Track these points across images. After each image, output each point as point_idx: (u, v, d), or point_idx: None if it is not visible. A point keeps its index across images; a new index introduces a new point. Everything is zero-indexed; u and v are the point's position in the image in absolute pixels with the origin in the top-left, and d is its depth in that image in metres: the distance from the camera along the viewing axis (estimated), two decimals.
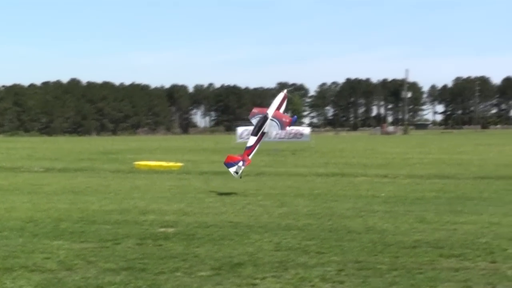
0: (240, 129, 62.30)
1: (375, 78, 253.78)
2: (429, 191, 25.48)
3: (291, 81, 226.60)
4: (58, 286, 11.12)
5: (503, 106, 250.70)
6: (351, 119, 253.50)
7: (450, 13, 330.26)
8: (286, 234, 15.58)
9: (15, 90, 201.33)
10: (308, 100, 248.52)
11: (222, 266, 12.27)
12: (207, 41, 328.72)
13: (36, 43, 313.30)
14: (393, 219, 17.87)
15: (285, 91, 28.09)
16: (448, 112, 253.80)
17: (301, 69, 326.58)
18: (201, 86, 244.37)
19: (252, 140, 25.78)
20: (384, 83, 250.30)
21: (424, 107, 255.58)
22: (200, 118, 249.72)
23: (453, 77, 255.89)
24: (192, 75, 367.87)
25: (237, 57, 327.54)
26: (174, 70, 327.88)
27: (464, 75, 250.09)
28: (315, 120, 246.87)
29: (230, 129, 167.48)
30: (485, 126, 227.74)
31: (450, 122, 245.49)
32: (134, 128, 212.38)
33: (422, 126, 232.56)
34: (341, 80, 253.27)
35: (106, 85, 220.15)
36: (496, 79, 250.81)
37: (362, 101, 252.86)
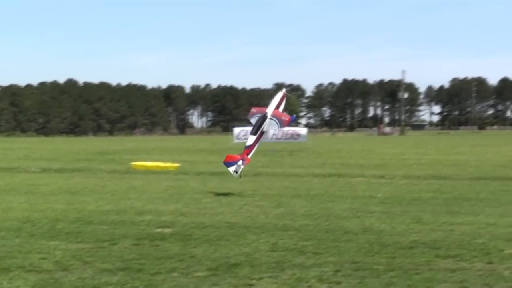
0: (237, 130, 62.37)
1: (372, 78, 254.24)
2: (426, 192, 25.49)
3: (288, 81, 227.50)
4: (55, 286, 11.12)
5: (500, 107, 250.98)
6: (348, 119, 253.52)
7: (446, 14, 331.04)
8: (283, 234, 15.58)
9: (11, 91, 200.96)
10: (305, 100, 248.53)
11: (219, 266, 12.27)
12: (203, 41, 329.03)
13: (33, 44, 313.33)
14: (390, 220, 17.88)
15: (284, 90, 28.07)
16: (445, 113, 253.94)
17: (298, 69, 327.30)
18: (198, 86, 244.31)
19: (251, 139, 25.75)
20: (381, 83, 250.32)
21: (421, 108, 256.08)
22: (197, 119, 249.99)
23: (450, 78, 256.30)
24: (189, 75, 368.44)
25: (234, 57, 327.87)
26: (171, 71, 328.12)
27: (461, 76, 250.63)
28: (312, 121, 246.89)
29: (227, 129, 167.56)
30: (481, 127, 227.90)
31: (446, 123, 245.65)
32: (130, 129, 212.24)
33: (419, 127, 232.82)
34: (338, 80, 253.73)
35: (103, 86, 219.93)
36: (493, 80, 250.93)
37: (359, 101, 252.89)
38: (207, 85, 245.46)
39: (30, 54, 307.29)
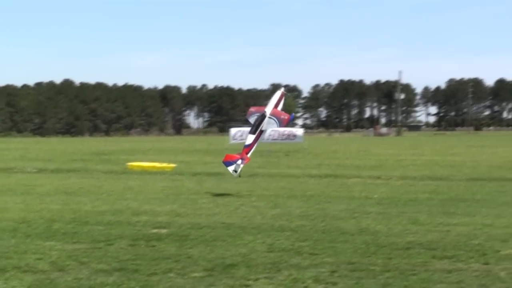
0: (233, 130, 62.32)
1: (369, 79, 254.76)
2: (422, 193, 25.50)
3: (284, 82, 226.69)
4: (51, 287, 11.10)
5: (496, 108, 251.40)
6: (344, 120, 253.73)
7: (443, 15, 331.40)
8: (279, 235, 15.57)
9: (8, 91, 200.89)
10: (301, 101, 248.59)
11: (215, 267, 12.26)
12: (200, 42, 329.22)
13: (29, 44, 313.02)
14: (386, 221, 17.88)
15: (282, 89, 28.05)
16: (441, 114, 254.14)
17: (294, 70, 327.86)
18: (194, 87, 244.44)
19: (250, 138, 25.72)
20: (377, 84, 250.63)
21: (417, 108, 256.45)
22: (193, 119, 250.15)
23: (446, 78, 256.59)
24: (185, 76, 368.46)
25: (231, 58, 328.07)
26: (167, 71, 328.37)
27: (457, 77, 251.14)
28: (308, 122, 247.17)
29: (223, 130, 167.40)
30: (478, 128, 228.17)
31: (443, 123, 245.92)
32: (127, 129, 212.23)
33: (415, 127, 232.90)
34: (334, 81, 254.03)
35: (99, 86, 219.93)
36: (489, 81, 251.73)
37: (355, 102, 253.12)
38: (204, 85, 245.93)
39: (26, 55, 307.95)
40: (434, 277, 11.57)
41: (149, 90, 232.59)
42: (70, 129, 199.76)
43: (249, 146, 25.44)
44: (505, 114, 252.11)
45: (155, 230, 16.29)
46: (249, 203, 22.14)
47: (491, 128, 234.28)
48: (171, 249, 13.91)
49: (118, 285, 11.09)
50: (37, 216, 18.61)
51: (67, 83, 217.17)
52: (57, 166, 41.58)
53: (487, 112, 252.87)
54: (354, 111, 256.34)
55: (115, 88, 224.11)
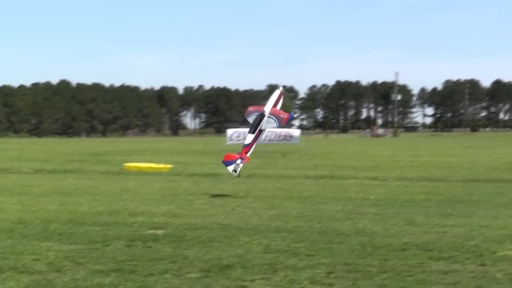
0: (230, 131, 62.36)
1: (365, 80, 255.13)
2: (419, 194, 25.53)
3: (281, 83, 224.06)
4: (47, 287, 11.10)
5: (493, 109, 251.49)
6: (341, 121, 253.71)
7: (440, 16, 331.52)
8: (275, 236, 15.57)
9: (4, 91, 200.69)
10: (298, 102, 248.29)
11: (211, 268, 12.26)
12: (197, 43, 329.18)
13: (26, 44, 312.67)
14: (382, 222, 17.89)
15: (281, 88, 27.98)
16: (438, 115, 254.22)
17: (291, 71, 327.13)
18: (191, 88, 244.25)
19: (249, 138, 25.67)
20: (374, 85, 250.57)
21: (414, 109, 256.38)
22: (190, 120, 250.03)
23: (443, 80, 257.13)
24: (182, 76, 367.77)
25: (227, 59, 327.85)
26: (164, 72, 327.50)
27: (454, 78, 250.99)
28: (305, 123, 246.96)
29: (220, 131, 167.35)
30: (474, 129, 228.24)
31: (439, 125, 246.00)
32: (123, 130, 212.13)
33: (412, 128, 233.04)
34: (331, 82, 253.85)
35: (96, 87, 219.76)
36: (486, 82, 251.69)
37: (352, 103, 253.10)
38: (200, 86, 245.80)
39: (23, 55, 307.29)
40: (430, 278, 11.59)
41: (146, 90, 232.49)
42: (67, 130, 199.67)
43: (249, 146, 25.38)
44: (501, 115, 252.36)
45: (151, 231, 16.29)
46: (246, 204, 22.14)
47: (487, 129, 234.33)
48: (167, 250, 13.91)
49: (115, 286, 11.09)
50: (33, 217, 18.60)
51: (64, 84, 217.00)
52: (54, 167, 41.57)
53: (483, 113, 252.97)
54: (351, 112, 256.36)
55: (111, 88, 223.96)
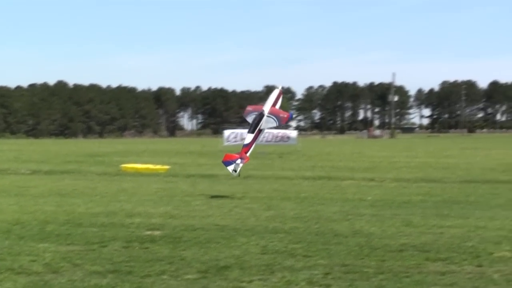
0: (227, 132, 62.32)
1: (362, 81, 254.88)
2: (416, 195, 25.55)
3: (278, 84, 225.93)
4: None
5: (490, 110, 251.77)
6: (338, 122, 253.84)
7: (437, 17, 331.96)
8: (272, 237, 15.57)
9: (1, 92, 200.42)
10: (295, 103, 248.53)
11: (209, 269, 12.25)
12: (194, 44, 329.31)
13: (23, 45, 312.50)
14: (379, 223, 17.89)
15: (280, 87, 27.93)
16: (435, 116, 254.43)
17: (288, 72, 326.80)
18: (188, 89, 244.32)
19: (249, 137, 25.61)
20: (371, 86, 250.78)
21: (410, 111, 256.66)
22: (187, 121, 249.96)
23: (440, 81, 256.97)
24: (179, 77, 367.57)
25: (224, 60, 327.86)
26: (161, 73, 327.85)
27: (451, 79, 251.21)
28: (302, 124, 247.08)
29: (217, 132, 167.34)
30: (471, 130, 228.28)
31: (436, 126, 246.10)
32: (121, 131, 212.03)
33: (409, 129, 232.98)
34: (328, 83, 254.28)
35: (93, 88, 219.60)
36: (483, 83, 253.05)
37: (349, 104, 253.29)
38: (197, 87, 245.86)
39: (20, 56, 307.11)
40: (427, 279, 11.59)
41: (143, 91, 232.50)
42: (64, 131, 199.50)
43: (248, 145, 25.32)
44: (498, 117, 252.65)
45: (148, 232, 16.28)
46: (243, 205, 22.14)
47: (484, 130, 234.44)
48: (164, 251, 13.91)
49: (112, 287, 11.09)
50: (30, 218, 18.59)
51: (61, 85, 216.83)
52: (51, 168, 41.54)
53: (480, 115, 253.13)
54: (348, 113, 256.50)
55: (109, 89, 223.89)
